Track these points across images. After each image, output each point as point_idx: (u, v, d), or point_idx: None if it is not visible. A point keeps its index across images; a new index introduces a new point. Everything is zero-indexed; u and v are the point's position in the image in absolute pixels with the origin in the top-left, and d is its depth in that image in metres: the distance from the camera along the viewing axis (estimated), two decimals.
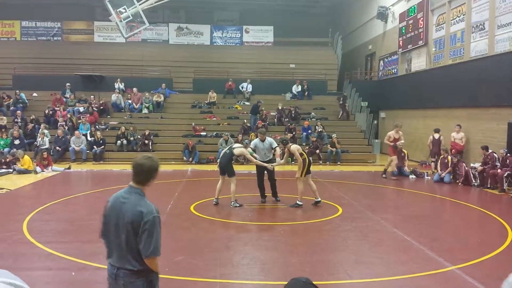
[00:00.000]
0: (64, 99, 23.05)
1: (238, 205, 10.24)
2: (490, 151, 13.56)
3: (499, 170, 12.85)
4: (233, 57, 28.42)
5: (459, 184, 14.00)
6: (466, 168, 14.19)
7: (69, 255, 6.48)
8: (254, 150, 10.78)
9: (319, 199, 10.42)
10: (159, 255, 3.28)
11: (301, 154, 10.23)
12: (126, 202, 3.30)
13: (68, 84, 23.83)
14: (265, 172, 10.84)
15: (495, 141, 14.57)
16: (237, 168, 16.31)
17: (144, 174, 3.38)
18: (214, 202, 10.46)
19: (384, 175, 15.37)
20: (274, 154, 11.21)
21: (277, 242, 7.62)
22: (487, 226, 9.30)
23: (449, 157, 14.86)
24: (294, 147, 10.39)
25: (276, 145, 10.97)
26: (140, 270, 3.27)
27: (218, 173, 10.61)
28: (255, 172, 11.14)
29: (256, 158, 10.58)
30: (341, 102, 24.01)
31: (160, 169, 3.50)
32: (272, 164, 10.73)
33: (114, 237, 3.33)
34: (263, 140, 10.86)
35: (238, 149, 10.55)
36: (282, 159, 10.86)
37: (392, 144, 15.44)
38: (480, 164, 13.80)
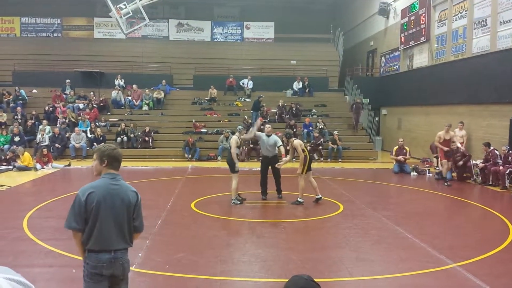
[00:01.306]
0: (64, 95, 22.99)
1: (238, 202, 10.18)
2: (491, 148, 13.51)
3: (501, 167, 12.80)
4: (234, 54, 28.37)
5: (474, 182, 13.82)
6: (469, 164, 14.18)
7: (70, 252, 6.44)
8: (257, 141, 10.72)
9: (320, 196, 10.37)
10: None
11: (303, 151, 10.18)
12: (118, 188, 3.59)
13: (68, 80, 23.78)
14: (269, 168, 10.78)
15: (497, 138, 14.51)
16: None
17: (120, 162, 3.74)
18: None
19: (446, 183, 13.24)
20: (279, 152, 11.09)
21: (278, 240, 7.59)
22: (489, 223, 9.26)
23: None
24: (297, 142, 10.30)
25: (281, 143, 10.75)
26: (128, 248, 3.67)
27: (225, 171, 10.46)
28: (259, 169, 11.08)
29: (237, 153, 10.32)
30: (353, 111, 22.28)
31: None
32: (279, 163, 10.63)
33: (108, 222, 3.51)
34: (268, 135, 10.72)
35: (231, 141, 10.42)
36: (287, 156, 10.74)
37: (443, 147, 13.65)
38: (482, 161, 13.75)
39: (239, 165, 10.29)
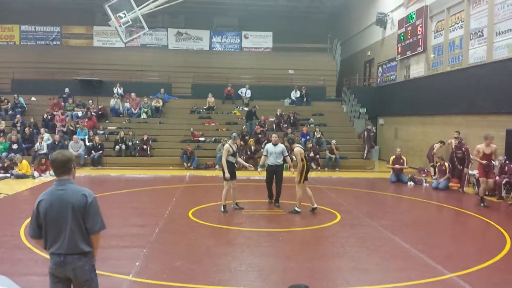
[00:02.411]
0: (62, 103, 22.99)
1: (224, 210, 10.30)
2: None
3: (497, 177, 12.84)
4: (232, 63, 28.48)
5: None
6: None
7: None
8: (266, 156, 11.00)
9: (315, 205, 10.40)
10: (105, 228, 3.77)
11: (301, 159, 10.21)
12: (63, 192, 3.67)
13: (67, 89, 23.80)
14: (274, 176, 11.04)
15: None
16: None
17: (61, 167, 3.76)
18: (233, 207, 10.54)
19: (483, 204, 11.69)
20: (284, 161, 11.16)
21: (276, 249, 7.60)
22: (486, 233, 9.29)
23: (446, 164, 14.90)
24: (297, 150, 10.29)
25: (287, 154, 11.11)
26: (86, 253, 3.67)
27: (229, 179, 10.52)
28: (256, 177, 11.19)
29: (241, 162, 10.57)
30: (364, 138, 21.28)
31: (74, 160, 3.87)
32: (293, 172, 10.74)
33: (59, 226, 3.63)
34: (275, 144, 11.01)
35: (223, 149, 10.58)
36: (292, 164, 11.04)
37: (482, 161, 11.81)
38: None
39: (243, 173, 10.46)
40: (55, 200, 3.66)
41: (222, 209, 10.34)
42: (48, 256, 6.58)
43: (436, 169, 15.47)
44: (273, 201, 11.20)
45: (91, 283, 3.73)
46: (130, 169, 18.34)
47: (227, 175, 10.21)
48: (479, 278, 6.23)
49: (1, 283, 3.81)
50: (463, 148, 14.57)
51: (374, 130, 20.46)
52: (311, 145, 19.67)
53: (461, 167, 14.61)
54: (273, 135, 11.80)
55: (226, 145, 10.45)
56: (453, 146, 15.37)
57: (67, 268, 3.63)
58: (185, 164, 19.12)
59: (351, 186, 15.10)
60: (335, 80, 27.98)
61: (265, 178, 11.31)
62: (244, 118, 22.95)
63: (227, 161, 10.27)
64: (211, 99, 24.21)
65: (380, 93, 25.01)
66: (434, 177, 15.81)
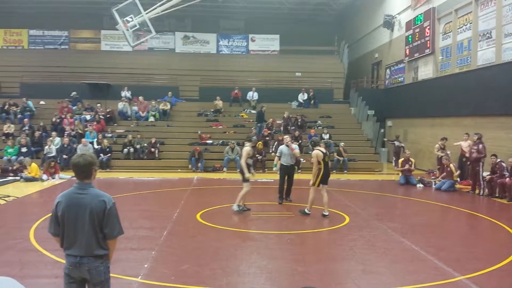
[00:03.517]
0: (70, 106, 23.08)
1: (237, 209, 10.32)
2: (498, 160, 13.43)
3: (507, 179, 12.73)
4: (239, 66, 28.53)
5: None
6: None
7: None
8: (279, 156, 11.44)
9: (327, 213, 10.13)
10: (123, 233, 3.83)
11: (318, 163, 10.06)
12: (83, 196, 3.68)
13: (74, 93, 23.90)
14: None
15: (504, 150, 14.45)
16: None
17: (82, 171, 3.76)
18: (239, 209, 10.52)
19: None
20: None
21: (284, 251, 7.57)
22: (496, 235, 9.19)
23: (451, 165, 14.80)
24: (314, 153, 10.13)
25: (298, 150, 11.67)
26: (102, 255, 3.71)
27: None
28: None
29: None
30: (394, 151, 20.74)
31: (96, 163, 3.87)
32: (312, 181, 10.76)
33: (76, 229, 3.67)
34: (288, 146, 11.43)
35: (243, 152, 10.69)
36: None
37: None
38: (489, 173, 13.67)
39: (252, 176, 10.55)
40: (73, 204, 3.68)
41: (237, 208, 10.34)
42: (57, 259, 6.63)
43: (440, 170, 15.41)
44: (284, 198, 11.58)
45: (105, 284, 3.77)
46: (138, 171, 18.39)
47: (248, 175, 10.31)
48: (490, 280, 6.17)
49: (11, 286, 3.83)
50: (479, 147, 13.93)
51: (403, 145, 20.16)
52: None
53: (476, 168, 13.97)
54: (285, 136, 12.37)
55: (247, 148, 10.52)
56: (463, 148, 15.26)
57: (82, 269, 3.67)
58: (192, 167, 19.05)
59: (359, 189, 15.04)
60: (343, 82, 27.93)
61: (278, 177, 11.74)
62: (252, 120, 22.93)
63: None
64: (218, 102, 24.25)
65: (388, 95, 24.92)
66: (435, 178, 15.67)
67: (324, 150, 10.31)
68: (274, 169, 12.44)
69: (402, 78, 23.58)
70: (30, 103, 22.76)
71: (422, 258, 7.14)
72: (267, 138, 20.74)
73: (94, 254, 3.68)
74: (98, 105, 23.08)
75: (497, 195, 13.15)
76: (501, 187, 13.01)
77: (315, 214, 10.24)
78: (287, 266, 6.75)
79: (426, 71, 20.97)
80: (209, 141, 21.36)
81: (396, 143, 20.59)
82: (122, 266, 6.28)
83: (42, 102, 24.03)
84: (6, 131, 20.23)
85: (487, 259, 7.12)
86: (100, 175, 17.76)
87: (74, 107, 23.15)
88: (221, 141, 21.28)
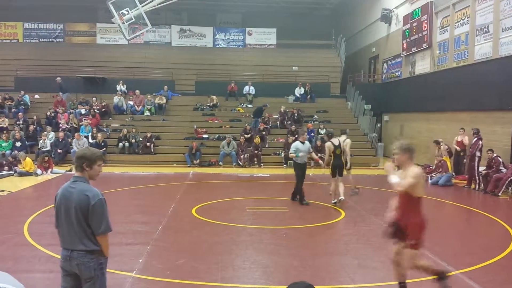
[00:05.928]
0: (62, 99, 22.79)
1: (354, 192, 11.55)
2: (495, 155, 13.43)
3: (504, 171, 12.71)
4: (236, 60, 28.39)
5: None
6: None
7: None
8: (295, 152, 10.90)
9: (334, 200, 10.72)
10: (111, 231, 3.74)
11: (330, 155, 10.72)
12: (73, 190, 3.70)
13: (58, 78, 23.42)
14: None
15: (500, 145, 14.46)
16: (237, 171, 16.32)
17: (80, 161, 3.78)
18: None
19: None
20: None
21: (279, 246, 7.55)
22: (491, 230, 9.20)
23: (448, 161, 14.80)
24: (326, 145, 10.85)
25: (311, 150, 11.55)
26: (92, 251, 3.68)
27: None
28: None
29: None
30: None
31: (98, 157, 3.84)
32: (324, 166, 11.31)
33: (65, 222, 3.71)
34: (303, 142, 11.05)
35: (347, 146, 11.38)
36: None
37: None
38: (484, 168, 13.67)
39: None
40: (64, 197, 3.73)
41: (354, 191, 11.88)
42: (51, 253, 6.59)
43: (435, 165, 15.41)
44: (298, 199, 10.99)
45: (96, 281, 3.71)
46: (133, 166, 18.32)
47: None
48: (484, 275, 6.17)
49: (4, 280, 3.79)
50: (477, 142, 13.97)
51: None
52: (319, 143, 19.22)
53: (472, 163, 13.95)
54: (302, 134, 11.76)
55: (349, 141, 11.52)
56: (464, 143, 15.28)
57: (72, 263, 3.68)
58: (188, 163, 18.90)
59: (355, 183, 15.00)
60: (340, 76, 27.85)
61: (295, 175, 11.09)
62: (249, 115, 22.79)
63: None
64: (212, 98, 24.07)
65: (385, 90, 24.89)
66: (433, 173, 15.67)
67: (336, 143, 10.83)
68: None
69: (399, 73, 23.54)
70: (26, 97, 22.57)
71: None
72: (264, 133, 20.67)
73: (83, 248, 3.66)
74: (94, 99, 22.95)
75: (493, 190, 13.10)
76: (497, 182, 12.96)
77: (309, 208, 10.23)
78: (282, 261, 6.73)
79: (423, 65, 20.94)
80: (205, 136, 21.28)
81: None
82: (117, 261, 6.23)
83: (36, 96, 23.86)
84: (0, 125, 20.06)
85: (482, 254, 7.12)
86: None
87: (65, 94, 22.83)
88: (217, 136, 21.20)
